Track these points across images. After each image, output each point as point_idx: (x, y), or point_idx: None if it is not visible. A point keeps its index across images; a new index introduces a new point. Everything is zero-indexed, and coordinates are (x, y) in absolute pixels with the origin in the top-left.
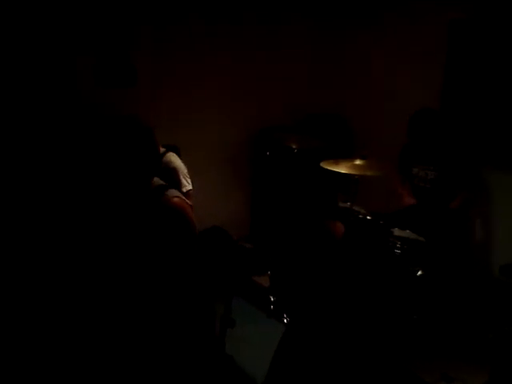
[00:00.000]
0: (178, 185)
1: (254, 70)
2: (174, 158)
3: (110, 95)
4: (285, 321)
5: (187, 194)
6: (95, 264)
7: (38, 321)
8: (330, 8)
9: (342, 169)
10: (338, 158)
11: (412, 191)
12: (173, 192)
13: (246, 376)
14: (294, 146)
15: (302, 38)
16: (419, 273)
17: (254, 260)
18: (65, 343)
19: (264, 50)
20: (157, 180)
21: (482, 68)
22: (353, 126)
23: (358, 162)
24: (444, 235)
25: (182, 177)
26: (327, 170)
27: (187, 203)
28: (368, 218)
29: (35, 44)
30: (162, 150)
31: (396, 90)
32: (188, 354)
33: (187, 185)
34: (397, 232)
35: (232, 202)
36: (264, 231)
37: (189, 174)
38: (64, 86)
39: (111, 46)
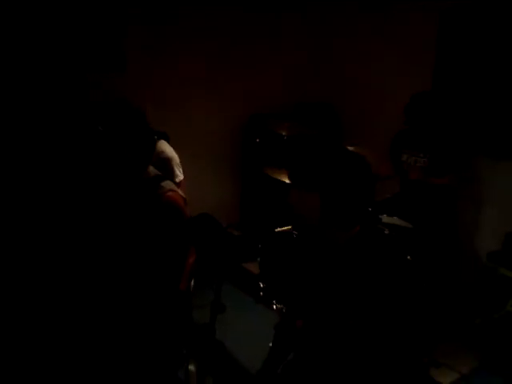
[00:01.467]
0: (170, 174)
1: (244, 57)
2: (167, 147)
3: (99, 80)
4: (274, 307)
5: (179, 184)
6: (88, 254)
7: (34, 317)
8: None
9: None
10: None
11: (400, 177)
12: (168, 184)
13: (236, 362)
14: (283, 133)
15: (293, 26)
16: (407, 258)
17: (244, 247)
18: (61, 340)
19: (255, 37)
20: (153, 170)
21: (472, 56)
22: (342, 115)
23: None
24: (432, 221)
25: (175, 167)
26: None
27: (181, 196)
28: None
29: (24, 30)
30: None
31: (385, 78)
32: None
33: (179, 174)
34: (385, 219)
35: (221, 189)
36: (253, 218)
37: (180, 161)
38: (52, 72)
39: (101, 31)
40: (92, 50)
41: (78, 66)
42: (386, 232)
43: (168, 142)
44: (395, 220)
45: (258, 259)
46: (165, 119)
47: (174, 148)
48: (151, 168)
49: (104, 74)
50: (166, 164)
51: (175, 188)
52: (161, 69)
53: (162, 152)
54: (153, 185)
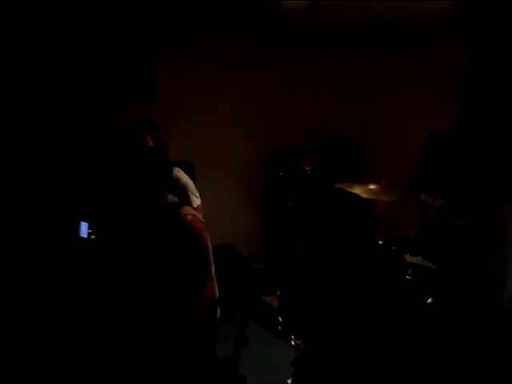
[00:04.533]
0: (187, 200)
1: (269, 92)
2: (181, 175)
3: (129, 110)
4: (292, 342)
5: (197, 208)
6: (109, 276)
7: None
8: (347, 32)
9: (357, 192)
10: (351, 181)
11: (420, 216)
12: (186, 210)
13: None
14: (307, 168)
15: (318, 60)
16: (429, 300)
17: (264, 279)
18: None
19: (279, 71)
20: (171, 197)
21: (498, 98)
22: (366, 151)
23: (371, 186)
24: (453, 263)
25: (190, 193)
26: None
27: (200, 221)
28: (380, 242)
29: (62, 59)
30: None
31: (410, 115)
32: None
33: (196, 200)
34: (408, 258)
35: (243, 220)
36: (274, 251)
37: (202, 191)
38: (88, 100)
39: (134, 62)
40: (127, 82)
41: (112, 96)
42: (409, 272)
43: (193, 173)
44: (418, 260)
45: (278, 293)
46: (191, 150)
47: (198, 178)
48: (170, 196)
49: (135, 103)
50: (181, 191)
51: (193, 212)
52: (187, 102)
53: (177, 179)
54: (172, 211)
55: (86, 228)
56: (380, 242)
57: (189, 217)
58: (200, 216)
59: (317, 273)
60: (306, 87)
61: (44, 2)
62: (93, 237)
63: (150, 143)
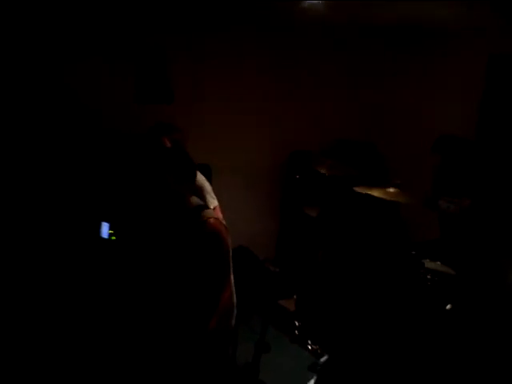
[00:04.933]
0: (204, 202)
1: (286, 93)
2: (198, 176)
3: (148, 111)
4: (309, 347)
5: (215, 209)
6: (128, 277)
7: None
8: (365, 37)
9: (377, 194)
10: (371, 185)
11: (439, 222)
12: (209, 213)
13: None
14: (324, 172)
15: (337, 65)
16: (448, 306)
17: (280, 283)
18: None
19: (297, 73)
20: (195, 200)
21: None
22: (386, 155)
23: (391, 189)
24: (473, 270)
25: (206, 194)
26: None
27: (223, 224)
28: (400, 247)
29: (79, 63)
30: None
31: (429, 120)
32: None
33: (212, 201)
34: (428, 264)
35: (259, 223)
36: (290, 255)
37: (219, 192)
38: (108, 102)
39: (150, 64)
40: (145, 84)
41: (129, 98)
42: (429, 277)
43: (210, 175)
44: (438, 265)
45: (295, 297)
46: (208, 151)
47: (215, 180)
48: (195, 199)
49: (152, 105)
50: (197, 192)
51: (216, 216)
52: (204, 103)
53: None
54: (195, 214)
55: (107, 228)
56: (400, 247)
57: (212, 220)
58: (221, 218)
59: (338, 278)
60: (324, 89)
61: (57, 11)
62: (113, 238)
63: (168, 145)
